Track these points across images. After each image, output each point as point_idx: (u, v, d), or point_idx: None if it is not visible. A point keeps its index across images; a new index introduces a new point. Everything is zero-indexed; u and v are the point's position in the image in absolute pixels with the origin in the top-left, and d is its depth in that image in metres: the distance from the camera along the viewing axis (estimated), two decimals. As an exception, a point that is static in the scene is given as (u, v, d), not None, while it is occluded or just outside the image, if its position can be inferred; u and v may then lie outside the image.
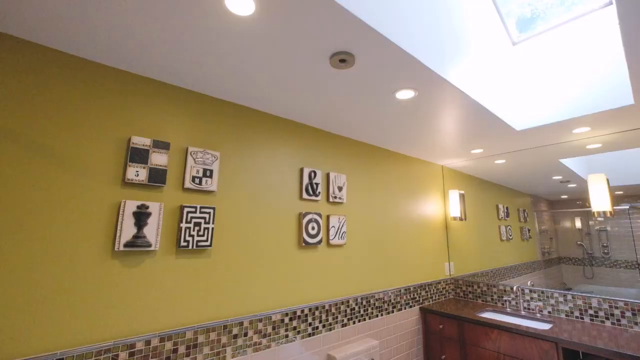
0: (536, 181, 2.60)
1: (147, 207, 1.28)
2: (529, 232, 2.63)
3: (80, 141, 1.20)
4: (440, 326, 2.35)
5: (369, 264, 2.20)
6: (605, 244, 2.18)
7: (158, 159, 1.33)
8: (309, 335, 1.76)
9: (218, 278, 1.47)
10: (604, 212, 2.08)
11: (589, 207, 2.25)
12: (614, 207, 2.11)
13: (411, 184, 2.71)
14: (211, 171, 1.48)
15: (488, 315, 2.41)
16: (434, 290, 2.70)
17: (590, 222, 2.27)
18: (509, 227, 2.73)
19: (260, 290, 1.61)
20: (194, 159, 1.44)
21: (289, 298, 1.72)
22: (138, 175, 1.27)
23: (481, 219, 2.86)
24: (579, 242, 2.33)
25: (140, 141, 1.30)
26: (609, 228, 2.17)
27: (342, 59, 1.22)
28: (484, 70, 1.73)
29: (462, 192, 2.96)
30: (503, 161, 2.73)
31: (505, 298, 2.52)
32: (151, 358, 1.25)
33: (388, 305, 2.26)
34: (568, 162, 2.41)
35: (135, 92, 1.35)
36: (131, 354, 1.21)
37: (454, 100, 1.61)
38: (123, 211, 1.23)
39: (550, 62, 1.89)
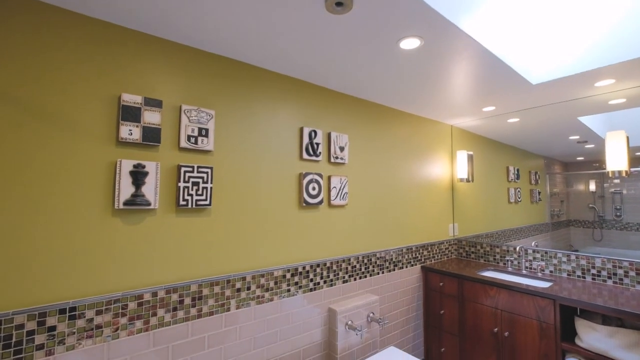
0: (551, 142, 2.48)
1: (144, 167, 1.28)
2: (539, 195, 2.57)
3: (72, 100, 1.18)
4: (441, 284, 2.42)
5: (371, 224, 2.21)
6: (618, 207, 2.12)
7: (151, 117, 1.30)
8: (311, 290, 1.83)
9: (219, 236, 1.51)
10: (620, 172, 1.98)
11: (605, 168, 2.15)
12: (632, 169, 2.01)
13: (417, 145, 2.63)
14: (207, 130, 1.45)
15: (489, 274, 2.45)
16: (436, 250, 2.74)
17: (605, 185, 2.19)
18: (518, 189, 2.67)
19: (262, 248, 1.65)
20: (188, 118, 1.40)
21: (291, 256, 1.77)
22: (132, 134, 1.25)
23: (489, 181, 2.79)
24: (590, 205, 2.26)
25: (131, 99, 1.26)
26: (624, 191, 2.09)
27: (338, 2, 1.11)
28: (498, 16, 1.56)
29: (471, 152, 2.86)
30: (516, 120, 2.59)
31: (507, 258, 2.54)
32: (159, 308, 1.33)
33: (389, 263, 2.31)
34: (587, 120, 2.27)
35: (124, 46, 1.29)
36: (139, 304, 1.28)
37: (465, 50, 1.48)
38: (120, 170, 1.23)
39: (572, 5, 1.69)
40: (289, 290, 1.73)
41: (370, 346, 2.02)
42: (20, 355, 1.05)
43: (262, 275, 1.64)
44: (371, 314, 2.01)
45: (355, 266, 2.08)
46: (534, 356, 1.88)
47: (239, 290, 1.55)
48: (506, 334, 1.99)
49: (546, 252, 2.34)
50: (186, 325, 1.39)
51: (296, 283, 1.77)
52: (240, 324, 1.54)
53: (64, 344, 1.12)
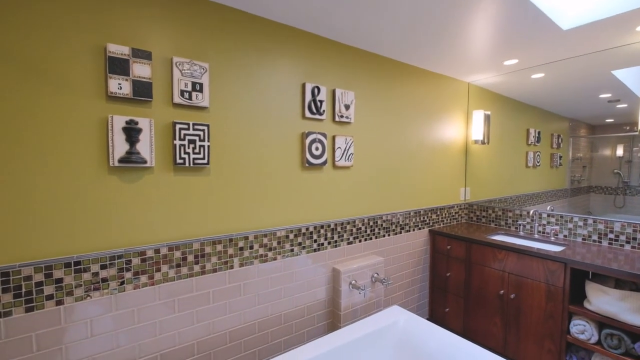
0: (578, 101, 2.27)
1: (137, 123, 1.23)
2: (560, 160, 2.41)
3: (57, 52, 1.11)
4: (448, 247, 2.39)
5: (378, 186, 2.15)
6: (647, 172, 1.97)
7: (140, 70, 1.23)
8: (314, 250, 1.83)
9: (219, 195, 1.49)
10: (653, 130, 1.80)
11: (637, 130, 1.96)
12: (667, 127, 1.82)
13: (430, 104, 2.46)
14: (201, 85, 1.37)
15: (499, 238, 2.39)
16: (445, 214, 2.68)
17: (635, 149, 2.02)
18: (538, 153, 2.51)
19: (264, 209, 1.63)
20: (181, 71, 1.32)
21: (294, 217, 1.75)
22: (121, 88, 1.19)
23: (506, 143, 2.63)
24: (615, 171, 2.11)
25: (118, 50, 1.18)
26: (655, 155, 1.92)
27: None
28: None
29: (488, 112, 2.68)
30: (541, 75, 2.36)
31: (519, 222, 2.46)
32: (162, 264, 1.35)
33: (396, 226, 2.28)
34: (622, 75, 2.04)
35: (104, -10, 1.19)
36: (143, 260, 1.31)
37: (485, -13, 1.30)
38: (112, 127, 1.19)
39: None
40: (292, 250, 1.74)
41: (374, 305, 2.06)
42: (32, 304, 1.10)
43: (265, 235, 1.64)
44: (375, 275, 2.02)
45: (360, 228, 2.06)
46: (539, 317, 1.87)
47: (241, 249, 1.56)
48: (512, 296, 1.98)
49: (561, 217, 2.24)
50: (190, 280, 1.42)
51: (299, 243, 1.77)
52: (244, 281, 1.58)
53: (73, 295, 1.17)
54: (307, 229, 1.80)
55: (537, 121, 2.51)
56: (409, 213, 2.37)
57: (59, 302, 1.15)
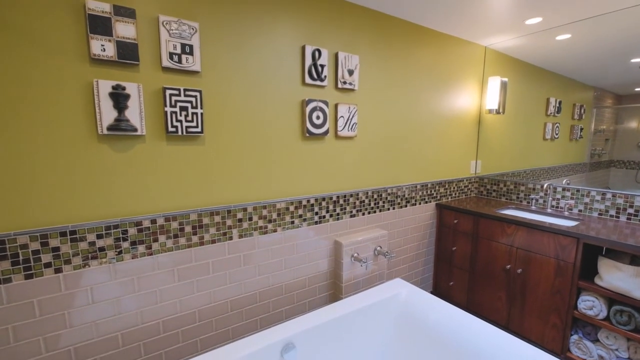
0: (607, 67, 2.06)
1: (124, 88, 1.17)
2: (580, 132, 2.25)
3: (33, 10, 1.03)
4: (455, 221, 2.32)
5: (383, 158, 2.07)
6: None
7: (124, 30, 1.14)
8: (316, 223, 1.80)
9: (215, 166, 1.44)
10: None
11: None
12: None
13: (442, 70, 2.30)
14: (191, 47, 1.28)
15: (509, 212, 2.31)
16: (454, 188, 2.59)
17: (665, 119, 1.85)
18: (557, 124, 2.35)
19: (262, 180, 1.59)
20: (168, 31, 1.23)
21: (294, 189, 1.70)
22: (105, 50, 1.12)
23: (523, 113, 2.47)
24: (640, 144, 1.96)
25: (98, 7, 1.09)
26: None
27: None
28: None
29: (505, 79, 2.49)
30: (567, 36, 2.15)
31: (532, 196, 2.35)
32: (159, 234, 1.34)
33: (401, 200, 2.22)
34: (660, 34, 1.83)
35: (79, -61, 1.08)
36: (139, 230, 1.30)
37: None
38: (98, 92, 1.13)
39: None
40: (292, 223, 1.71)
41: (377, 277, 2.05)
42: (31, 272, 1.11)
43: (264, 207, 1.60)
44: (378, 248, 1.99)
45: (363, 201, 2.00)
46: (546, 293, 1.82)
47: (240, 220, 1.54)
48: (519, 270, 1.93)
49: (577, 190, 2.12)
50: (189, 251, 1.42)
51: (300, 216, 1.73)
52: (244, 252, 1.57)
53: (71, 263, 1.18)
54: (308, 201, 1.75)
55: (558, 90, 2.33)
56: (416, 186, 2.29)
57: (58, 270, 1.16)
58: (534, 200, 2.34)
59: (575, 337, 1.74)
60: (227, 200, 1.50)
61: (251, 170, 1.55)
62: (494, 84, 2.49)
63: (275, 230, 1.65)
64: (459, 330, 1.45)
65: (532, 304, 1.89)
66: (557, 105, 2.35)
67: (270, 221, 1.63)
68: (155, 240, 1.33)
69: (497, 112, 2.51)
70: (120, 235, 1.26)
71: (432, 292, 2.56)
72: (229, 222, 1.50)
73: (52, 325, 1.16)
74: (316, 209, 1.79)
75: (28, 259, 1.11)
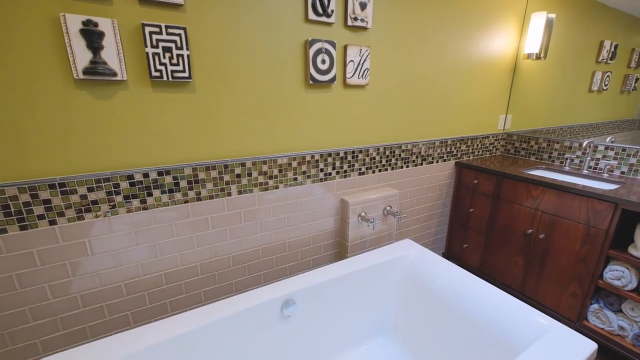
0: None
1: (96, 24, 1.03)
2: (635, 83, 1.91)
3: None
4: (475, 181, 2.14)
5: (398, 111, 1.86)
6: None
7: (87, -50, 0.97)
8: (321, 180, 1.69)
9: (209, 117, 1.32)
10: None
11: None
12: None
13: (474, 5, 1.95)
14: (170, -28, 1.09)
15: (537, 172, 2.09)
16: (478, 145, 2.36)
17: None
18: (608, 73, 1.99)
19: (262, 133, 1.46)
20: (141, -48, 1.04)
21: (296, 143, 1.57)
22: (68, -24, 0.96)
23: (569, 59, 2.11)
24: None
25: None
26: None
27: None
28: None
29: (552, 15, 2.09)
30: (642, -46, 1.71)
31: (567, 156, 2.10)
32: (154, 189, 1.29)
33: (417, 157, 2.04)
34: None
35: None
36: (132, 184, 1.24)
37: None
38: (66, 29, 1.00)
39: None
40: (295, 179, 1.61)
41: (386, 237, 1.97)
42: (25, 223, 1.10)
43: (264, 162, 1.50)
44: (388, 208, 1.89)
45: (374, 158, 1.85)
46: (569, 260, 1.68)
47: (239, 176, 1.45)
48: (541, 236, 1.78)
49: (623, 150, 1.86)
50: (186, 206, 1.37)
51: (304, 172, 1.63)
52: (244, 209, 1.51)
53: (64, 215, 1.16)
54: (313, 156, 1.63)
55: (616, 31, 1.94)
56: (434, 143, 2.09)
57: (52, 222, 1.14)
58: (568, 160, 2.09)
59: (595, 306, 1.63)
60: (224, 155, 1.40)
61: (248, 123, 1.42)
62: (538, 21, 2.10)
63: (276, 187, 1.57)
64: (467, 293, 1.37)
65: (551, 271, 1.77)
66: (612, 49, 1.98)
67: (271, 177, 1.54)
68: (150, 194, 1.29)
69: (538, 57, 2.16)
70: (113, 189, 1.21)
71: (443, 254, 2.48)
72: (226, 177, 1.43)
73: (55, 274, 1.19)
74: (321, 165, 1.67)
75: (20, 211, 1.09)
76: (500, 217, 2.01)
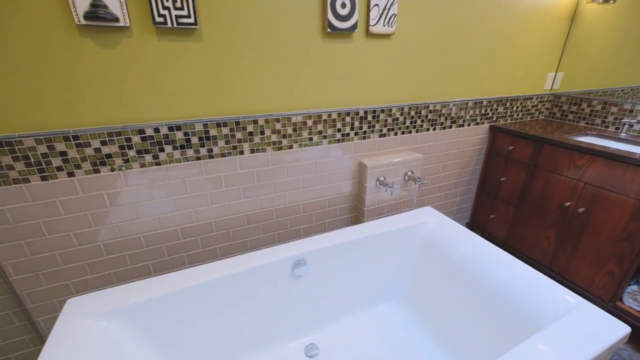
0: None
1: (93, -39, 0.95)
2: None
3: None
4: (510, 148, 1.94)
5: (428, 65, 1.67)
6: None
7: None
8: (338, 141, 1.60)
9: (218, 69, 1.25)
10: None
11: None
12: None
13: None
14: None
15: (585, 139, 1.85)
16: (518, 107, 2.11)
17: None
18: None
19: (275, 89, 1.37)
20: None
21: (312, 100, 1.47)
22: None
23: (647, -1, 1.73)
24: None
25: None
26: None
27: None
28: None
29: (633, -56, 1.70)
30: None
31: (625, 120, 1.82)
32: (165, 144, 1.27)
33: (446, 119, 1.86)
34: None
35: None
36: (143, 139, 1.23)
37: None
38: (63, -33, 0.93)
39: None
40: (311, 139, 1.53)
41: (405, 204, 1.89)
42: (45, 174, 1.14)
43: (277, 120, 1.43)
44: (410, 173, 1.77)
45: (397, 118, 1.71)
46: (611, 237, 1.52)
47: (251, 134, 1.40)
48: (581, 209, 1.61)
49: (700, 113, 1.56)
50: (199, 163, 1.36)
51: (319, 132, 1.54)
52: (257, 168, 1.47)
53: (81, 168, 1.18)
54: (330, 115, 1.52)
55: None
56: (467, 103, 1.89)
57: (70, 174, 1.17)
58: (626, 126, 1.82)
59: (634, 287, 1.49)
60: (235, 111, 1.34)
61: (260, 77, 1.33)
62: (612, -47, 1.72)
63: (290, 147, 1.50)
64: (488, 265, 1.29)
65: (587, 248, 1.62)
66: None
67: (285, 136, 1.47)
68: (162, 150, 1.28)
69: (606, -1, 1.80)
70: (125, 143, 1.21)
71: (467, 224, 2.36)
72: (238, 135, 1.38)
73: (78, 223, 1.25)
74: (339, 125, 1.57)
75: (40, 162, 1.12)
76: (534, 188, 1.84)
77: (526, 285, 1.16)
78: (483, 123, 2.02)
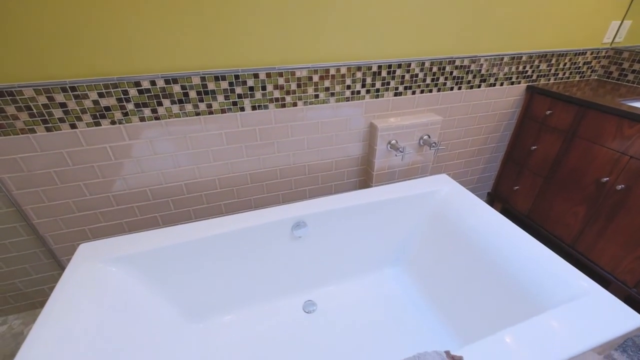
0: None
1: None
2: None
3: None
4: (548, 112, 1.71)
5: (457, 12, 1.43)
6: None
7: None
8: (347, 99, 1.48)
9: (212, 14, 1.14)
10: None
11: None
12: None
13: None
14: None
15: (643, 105, 1.57)
16: (565, 65, 1.81)
17: None
18: None
19: (275, 39, 1.25)
20: None
21: (318, 53, 1.33)
22: None
23: None
24: None
25: None
26: None
27: None
28: None
29: None
30: None
31: (700, 82, 1.51)
32: (163, 98, 1.24)
33: (474, 77, 1.65)
34: None
35: None
36: (140, 92, 1.20)
37: None
38: None
39: None
40: (317, 97, 1.43)
41: (419, 170, 1.77)
42: (49, 125, 1.16)
43: (280, 74, 1.32)
44: (426, 137, 1.63)
45: (416, 75, 1.53)
46: (650, 219, 1.34)
47: (251, 89, 1.32)
48: (619, 187, 1.41)
49: None
50: (199, 119, 1.32)
51: (327, 88, 1.42)
52: (259, 126, 1.42)
53: (82, 120, 1.19)
54: (338, 70, 1.39)
55: None
56: (501, 58, 1.64)
57: (73, 126, 1.19)
58: (700, 90, 1.50)
59: (667, 275, 1.34)
60: (234, 64, 1.25)
61: (259, 24, 1.20)
62: None
63: (294, 104, 1.41)
64: (499, 239, 1.21)
65: (619, 229, 1.45)
66: None
67: (288, 92, 1.37)
68: (160, 104, 1.24)
69: None
70: (122, 96, 1.19)
71: (489, 194, 2.21)
72: (238, 90, 1.30)
73: (86, 174, 1.29)
74: (348, 81, 1.43)
75: (42, 113, 1.14)
76: (569, 159, 1.63)
77: (538, 265, 1.07)
78: (519, 82, 1.77)
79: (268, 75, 1.30)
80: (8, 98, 1.08)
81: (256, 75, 1.29)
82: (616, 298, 0.91)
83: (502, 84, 1.73)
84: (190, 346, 1.26)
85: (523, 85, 1.79)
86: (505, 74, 1.70)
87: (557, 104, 1.65)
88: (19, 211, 1.28)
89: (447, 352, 0.79)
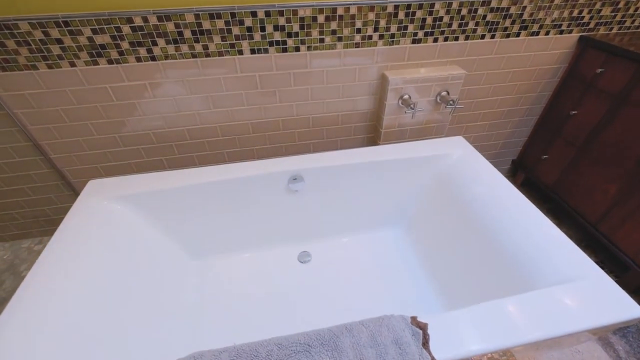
0: None
1: None
2: None
3: None
4: (600, 70, 1.44)
5: None
6: None
7: None
8: (356, 45, 1.33)
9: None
10: None
11: None
12: None
13: None
14: None
15: None
16: (638, 9, 1.47)
17: None
18: None
19: (276, -32, 1.10)
20: None
21: (325, -14, 1.17)
22: None
23: None
24: None
25: None
26: None
27: None
28: None
29: None
30: None
31: None
32: (157, 37, 1.18)
33: (513, 22, 1.39)
34: None
35: None
36: (133, 29, 1.15)
37: None
38: None
39: None
40: (322, 41, 1.29)
41: (434, 130, 1.63)
42: (49, 62, 1.17)
43: (281, 13, 1.19)
44: (444, 93, 1.47)
45: (440, 18, 1.32)
46: (693, 204, 1.16)
47: (249, 29, 1.21)
48: (665, 164, 1.21)
49: None
50: (195, 61, 1.26)
51: (333, 32, 1.27)
52: (259, 72, 1.33)
53: (80, 58, 1.18)
54: (347, 9, 1.23)
55: None
56: (552, -1, 1.35)
57: (72, 64, 1.19)
58: None
59: (696, 267, 1.19)
60: (229, 0, 1.14)
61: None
62: None
63: (297, 49, 1.30)
64: (504, 212, 1.12)
65: (653, 211, 1.28)
66: None
67: (290, 35, 1.25)
68: (155, 43, 1.19)
69: None
70: (116, 33, 1.15)
71: (513, 162, 2.02)
72: (235, 30, 1.21)
73: (91, 114, 1.33)
74: (358, 23, 1.27)
75: (40, 49, 1.14)
76: (612, 129, 1.41)
77: (541, 244, 0.99)
78: (570, 32, 1.48)
79: (267, 13, 1.18)
80: (7, 32, 1.08)
81: (254, 14, 1.18)
82: (619, 287, 0.83)
83: (547, 33, 1.46)
84: (188, 279, 1.37)
85: (575, 36, 1.50)
86: (553, 20, 1.42)
87: (613, 61, 1.37)
88: (35, 146, 1.37)
89: (414, 318, 0.79)
